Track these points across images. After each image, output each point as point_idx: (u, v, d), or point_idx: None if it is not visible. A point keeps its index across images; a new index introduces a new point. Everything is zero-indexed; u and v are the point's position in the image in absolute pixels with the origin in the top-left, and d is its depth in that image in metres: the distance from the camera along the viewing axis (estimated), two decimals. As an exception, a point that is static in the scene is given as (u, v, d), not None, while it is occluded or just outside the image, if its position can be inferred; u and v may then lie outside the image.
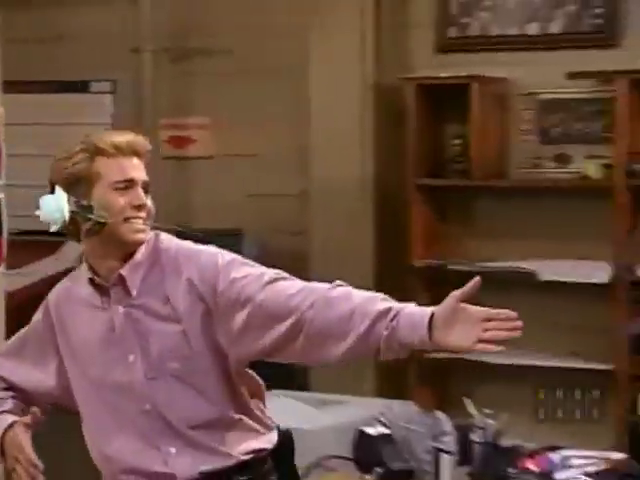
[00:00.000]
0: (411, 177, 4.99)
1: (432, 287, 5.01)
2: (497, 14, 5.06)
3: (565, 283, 4.72)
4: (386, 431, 3.42)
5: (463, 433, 3.51)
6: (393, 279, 5.01)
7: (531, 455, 3.57)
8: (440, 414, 3.59)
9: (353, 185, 5.09)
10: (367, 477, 3.35)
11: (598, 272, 4.67)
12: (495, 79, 4.98)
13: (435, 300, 5.54)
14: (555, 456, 3.55)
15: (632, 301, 4.61)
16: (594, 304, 4.72)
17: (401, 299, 5.26)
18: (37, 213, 2.60)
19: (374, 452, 3.36)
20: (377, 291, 5.28)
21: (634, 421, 4.04)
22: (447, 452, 3.40)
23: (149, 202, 2.62)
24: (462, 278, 5.16)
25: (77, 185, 2.58)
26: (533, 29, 5.01)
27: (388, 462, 3.35)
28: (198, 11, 5.45)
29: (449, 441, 3.44)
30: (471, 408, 3.59)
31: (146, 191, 2.61)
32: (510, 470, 3.44)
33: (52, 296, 2.76)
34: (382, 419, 3.48)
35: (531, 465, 3.48)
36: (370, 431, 3.40)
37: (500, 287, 4.81)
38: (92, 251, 2.63)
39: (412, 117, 4.97)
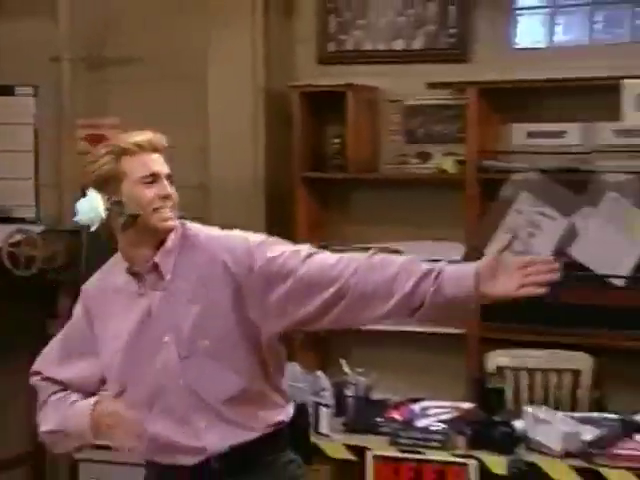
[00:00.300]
0: (296, 171, 5.04)
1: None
2: (369, 32, 5.11)
3: (426, 260, 4.85)
4: None
5: (339, 389, 3.65)
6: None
7: (396, 406, 3.73)
8: (320, 373, 3.71)
9: (246, 179, 5.12)
10: None
11: (453, 251, 4.74)
12: (367, 87, 5.04)
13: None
14: (416, 407, 3.72)
15: None
16: None
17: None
18: (75, 219, 2.59)
19: None
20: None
21: (481, 377, 4.17)
22: (325, 405, 3.52)
23: (174, 192, 2.59)
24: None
25: (107, 185, 2.55)
26: (399, 45, 5.06)
27: None
28: (112, 23, 5.42)
29: (327, 396, 3.56)
30: (346, 368, 3.75)
31: (170, 182, 2.60)
32: (378, 419, 3.56)
33: (86, 288, 2.70)
34: None
35: (396, 415, 3.63)
36: None
37: None
38: (128, 243, 2.58)
39: (297, 120, 5.00)
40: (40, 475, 5.61)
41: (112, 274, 2.65)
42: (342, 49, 5.18)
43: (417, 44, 5.06)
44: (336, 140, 5.08)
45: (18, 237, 5.24)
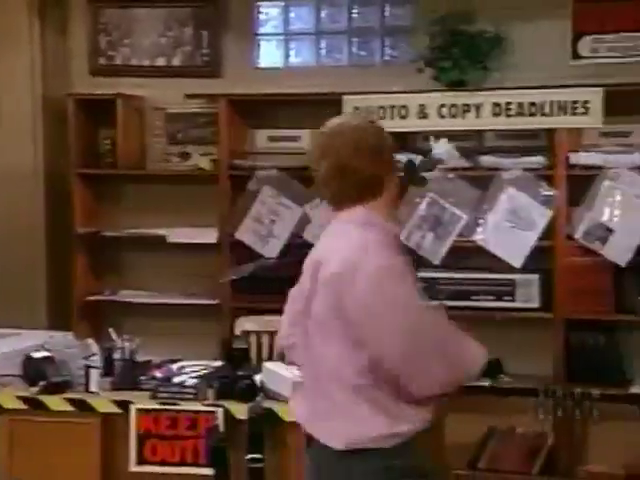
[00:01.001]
0: (73, 168, 4.90)
1: (90, 249, 5.01)
2: (135, 50, 5.03)
3: (187, 244, 4.76)
4: (48, 354, 3.37)
5: (108, 353, 3.50)
6: (60, 243, 4.95)
7: (158, 366, 3.62)
8: (90, 340, 3.57)
9: (28, 174, 4.93)
10: (33, 389, 3.29)
11: (209, 235, 4.76)
12: (135, 97, 4.95)
13: (92, 258, 5.58)
14: (174, 366, 3.64)
15: (232, 255, 4.73)
16: (207, 258, 4.78)
17: (66, 259, 5.27)
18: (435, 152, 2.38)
19: (38, 370, 3.30)
20: (48, 252, 5.22)
21: (229, 339, 4.15)
22: (94, 367, 3.40)
23: None
24: (113, 242, 5.29)
25: None
26: (161, 62, 5.01)
27: (50, 377, 3.31)
28: None
29: (96, 359, 3.43)
30: (114, 335, 3.60)
31: None
32: (141, 378, 3.46)
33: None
34: (46, 346, 3.43)
35: (157, 373, 3.52)
36: (35, 355, 3.34)
37: (141, 248, 4.97)
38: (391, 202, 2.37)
39: (72, 123, 4.85)
40: None
41: None
42: (112, 63, 5.07)
43: (176, 61, 5.02)
44: (108, 141, 4.97)
45: None
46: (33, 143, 4.93)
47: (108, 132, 4.95)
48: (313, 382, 2.35)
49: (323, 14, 4.90)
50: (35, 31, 4.91)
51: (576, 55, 4.53)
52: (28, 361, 3.33)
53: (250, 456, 3.11)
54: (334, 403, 2.28)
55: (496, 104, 4.34)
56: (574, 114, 4.23)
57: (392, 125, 4.46)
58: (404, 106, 4.45)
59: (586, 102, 4.20)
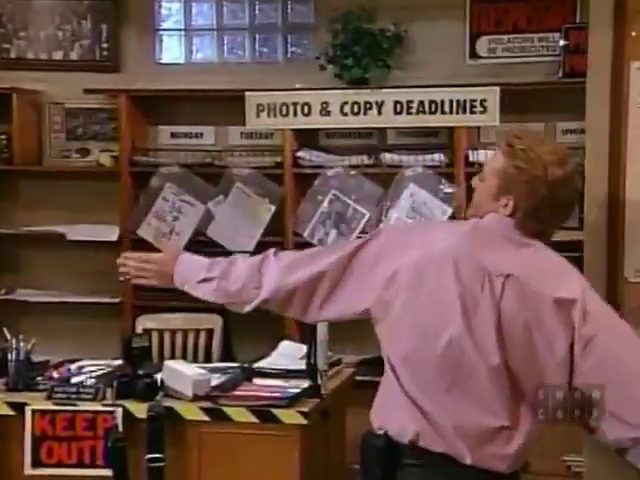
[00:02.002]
0: None
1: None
2: (31, 43, 4.93)
3: (86, 241, 4.71)
4: None
5: (2, 354, 3.40)
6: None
7: (55, 367, 3.55)
8: None
9: None
10: None
11: (110, 233, 4.71)
12: (32, 91, 4.85)
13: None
14: (73, 366, 3.57)
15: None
16: (108, 256, 4.41)
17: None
18: None
19: None
20: None
21: (129, 337, 4.07)
22: None
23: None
24: (10, 239, 5.15)
25: None
26: (59, 55, 4.92)
27: None
28: None
29: None
30: (7, 335, 3.48)
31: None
32: (38, 379, 3.38)
33: None
34: None
35: (54, 373, 3.46)
36: None
37: (39, 245, 4.88)
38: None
39: None
40: None
41: None
42: (7, 57, 4.94)
43: (74, 55, 4.93)
44: (3, 136, 4.84)
45: None
46: None
47: (3, 127, 4.84)
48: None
49: (225, 10, 4.88)
50: None
51: (474, 55, 4.62)
52: None
53: (150, 456, 3.07)
54: None
55: (398, 102, 4.40)
56: (472, 112, 4.32)
57: (295, 122, 4.48)
58: (307, 103, 4.47)
59: (483, 101, 4.29)
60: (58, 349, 4.14)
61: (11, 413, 3.21)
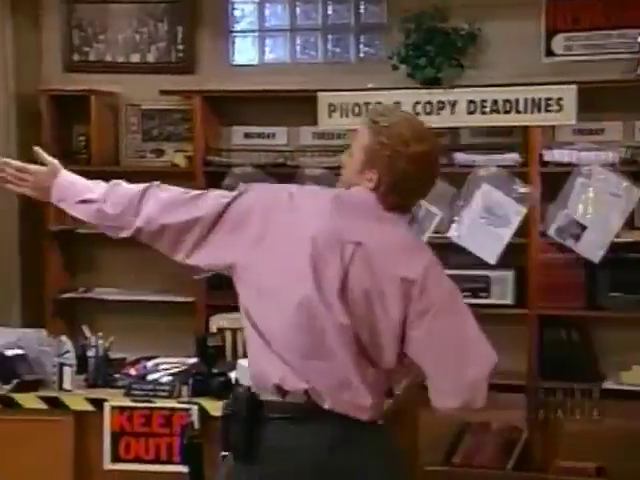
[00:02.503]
0: None
1: (63, 246, 5.00)
2: (109, 46, 5.03)
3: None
4: (21, 352, 3.34)
5: (81, 351, 3.47)
6: (34, 240, 4.92)
7: (132, 364, 3.59)
8: (64, 338, 3.49)
9: None
10: (5, 387, 3.26)
11: None
12: (109, 93, 4.95)
13: (66, 256, 5.56)
14: (149, 363, 3.60)
15: None
16: None
17: (39, 257, 5.25)
18: None
19: (11, 368, 3.27)
20: (21, 248, 5.17)
21: (200, 336, 4.13)
22: (68, 365, 3.37)
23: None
24: (87, 239, 5.27)
25: None
26: (136, 58, 5.01)
27: (23, 375, 3.28)
28: None
29: (70, 357, 3.39)
30: (87, 332, 3.57)
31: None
32: (116, 376, 3.45)
33: None
34: (19, 343, 3.38)
35: (131, 370, 3.51)
36: (7, 352, 3.31)
37: (115, 245, 4.53)
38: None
39: (46, 119, 4.85)
40: None
41: None
42: (86, 59, 5.06)
43: (151, 57, 5.02)
44: (81, 138, 4.96)
45: None
46: (6, 140, 4.91)
47: (82, 128, 4.95)
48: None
49: (298, 11, 4.91)
50: (8, 27, 4.89)
51: (550, 52, 4.57)
52: (1, 359, 3.30)
53: (225, 453, 3.10)
54: None
55: (471, 101, 4.37)
56: (548, 111, 4.26)
57: (367, 122, 4.48)
58: (379, 103, 4.47)
59: (559, 99, 4.24)
60: (133, 347, 4.12)
61: (91, 409, 3.26)
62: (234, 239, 2.26)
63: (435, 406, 2.26)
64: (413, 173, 2.23)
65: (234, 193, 2.34)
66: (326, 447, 2.20)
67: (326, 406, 2.20)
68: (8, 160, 2.45)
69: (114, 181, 2.42)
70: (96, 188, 2.41)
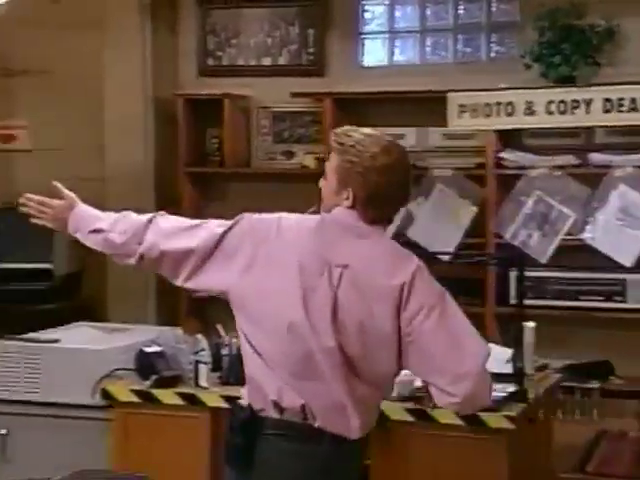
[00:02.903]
0: (181, 167, 5.02)
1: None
2: (241, 50, 5.12)
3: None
4: (159, 349, 3.42)
5: (216, 349, 3.51)
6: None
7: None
8: (199, 336, 3.56)
9: (138, 172, 5.06)
10: (146, 382, 3.35)
11: None
12: (241, 96, 5.04)
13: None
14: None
15: None
16: None
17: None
18: None
19: (150, 365, 3.35)
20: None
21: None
22: (203, 363, 3.42)
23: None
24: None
25: None
26: (267, 61, 5.10)
27: (161, 371, 3.36)
28: (21, 41, 5.28)
29: (205, 355, 3.44)
30: (222, 331, 3.61)
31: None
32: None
33: None
34: (157, 340, 3.47)
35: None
36: (147, 349, 3.39)
37: None
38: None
39: (181, 123, 4.98)
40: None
41: None
42: (219, 64, 5.17)
43: (282, 60, 5.09)
44: (215, 140, 5.06)
45: None
46: (144, 143, 5.07)
47: (215, 131, 5.05)
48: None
49: (428, 11, 4.89)
50: (147, 32, 5.06)
51: (691, 48, 4.40)
52: (141, 356, 3.39)
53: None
54: None
55: (607, 100, 4.24)
56: (689, 109, 4.11)
57: (498, 122, 4.41)
58: (510, 103, 4.39)
59: (702, 97, 4.07)
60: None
61: (225, 406, 3.29)
62: (227, 267, 2.38)
63: (440, 405, 2.36)
64: (385, 184, 2.31)
65: (229, 223, 2.46)
66: (319, 468, 2.32)
67: (317, 424, 2.32)
68: (30, 195, 2.60)
69: (124, 212, 2.56)
70: (107, 218, 2.55)
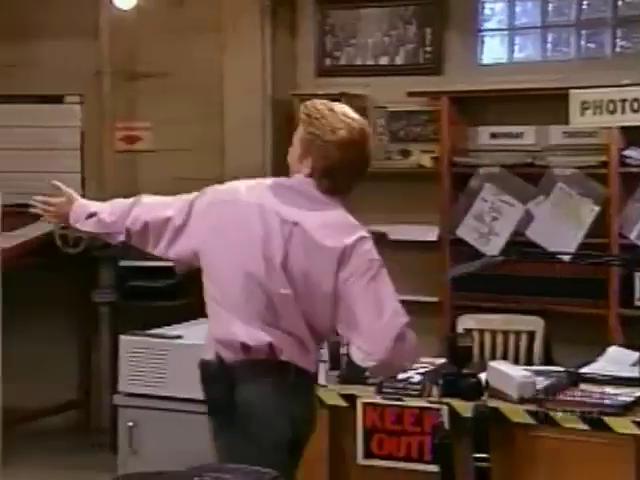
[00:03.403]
0: None
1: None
2: (359, 50, 5.14)
3: (407, 241, 4.84)
4: None
5: (334, 348, 3.51)
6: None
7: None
8: None
9: (256, 172, 4.93)
10: None
11: (429, 233, 4.82)
12: (358, 96, 5.01)
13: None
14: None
15: (452, 253, 4.75)
16: (427, 255, 4.83)
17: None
18: None
19: None
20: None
21: (451, 336, 4.14)
22: (322, 361, 3.34)
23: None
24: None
25: None
26: (384, 60, 5.10)
27: None
28: (144, 45, 5.43)
29: (323, 353, 3.38)
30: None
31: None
32: (366, 373, 3.37)
33: None
34: None
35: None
36: None
37: None
38: None
39: (298, 123, 5.08)
40: (86, 418, 5.61)
41: None
42: (336, 64, 5.20)
43: (399, 60, 5.08)
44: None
45: (67, 221, 5.23)
46: (262, 143, 5.14)
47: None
48: None
49: (550, 7, 4.80)
50: (267, 33, 5.12)
51: None
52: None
53: (476, 455, 3.09)
54: None
55: None
56: None
57: (623, 120, 4.28)
58: (636, 99, 4.26)
59: None
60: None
61: (343, 404, 3.34)
62: (197, 231, 2.63)
63: (356, 361, 2.57)
64: (343, 159, 2.51)
65: (195, 195, 2.69)
66: (287, 395, 2.54)
67: (284, 358, 2.54)
68: (36, 197, 2.87)
69: (116, 199, 2.84)
70: (100, 205, 2.83)
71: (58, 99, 5.54)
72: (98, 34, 5.44)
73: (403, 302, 4.92)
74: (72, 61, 5.46)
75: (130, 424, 3.58)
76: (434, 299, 4.80)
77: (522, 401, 3.12)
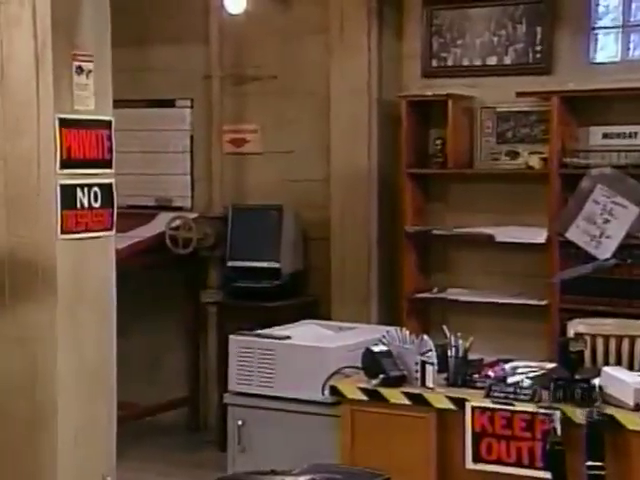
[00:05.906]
0: (404, 168, 5.02)
1: (419, 247, 5.11)
2: (466, 50, 5.07)
3: (514, 243, 4.75)
4: (386, 348, 3.43)
5: (442, 350, 3.50)
6: (391, 241, 5.11)
7: (490, 365, 3.56)
8: (425, 337, 3.55)
9: (362, 173, 5.12)
10: (373, 381, 3.37)
11: (538, 235, 4.72)
12: (465, 97, 4.99)
13: (421, 256, 5.72)
14: (507, 366, 3.56)
15: (561, 256, 4.64)
16: (535, 258, 4.75)
17: (396, 257, 5.46)
18: None
19: (378, 364, 3.37)
20: (379, 249, 5.43)
21: (562, 340, 4.05)
22: (430, 364, 3.40)
23: None
24: (441, 240, 5.40)
25: None
26: (492, 61, 5.02)
27: (388, 371, 3.36)
28: (252, 49, 5.49)
29: (431, 356, 3.43)
30: (447, 332, 3.57)
31: None
32: (475, 376, 3.44)
33: None
34: (383, 340, 3.48)
35: (490, 372, 3.48)
36: (375, 349, 3.41)
37: (468, 246, 5.00)
38: None
39: (405, 125, 4.98)
40: (195, 416, 5.69)
41: None
42: (443, 65, 5.15)
43: (508, 59, 4.99)
44: (438, 141, 5.05)
45: (177, 222, 5.34)
46: (368, 144, 5.11)
47: (438, 132, 5.03)
48: None
49: (667, 3, 4.62)
50: (373, 34, 5.10)
51: None
52: (368, 354, 3.41)
53: (589, 463, 2.99)
54: None
55: None
56: None
57: None
58: None
59: None
60: (484, 348, 4.14)
61: (452, 407, 3.29)
62: None
63: None
64: None
65: None
66: None
67: None
68: None
69: None
70: None
71: (170, 103, 5.65)
72: (208, 39, 5.52)
73: (510, 305, 4.93)
74: (183, 66, 5.57)
75: (239, 423, 3.59)
76: (542, 302, 4.72)
77: (638, 408, 3.02)
